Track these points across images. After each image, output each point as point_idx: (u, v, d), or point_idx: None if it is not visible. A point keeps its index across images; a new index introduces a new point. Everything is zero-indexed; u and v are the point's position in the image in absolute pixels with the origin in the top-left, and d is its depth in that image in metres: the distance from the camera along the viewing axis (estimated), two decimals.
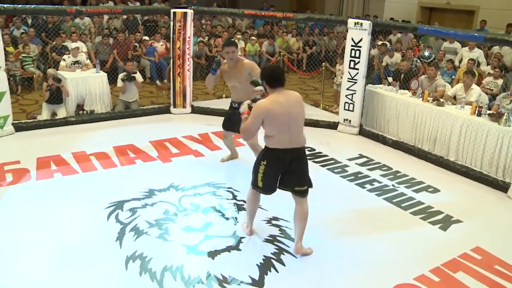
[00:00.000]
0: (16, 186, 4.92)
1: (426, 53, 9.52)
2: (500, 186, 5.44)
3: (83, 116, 7.26)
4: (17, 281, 3.42)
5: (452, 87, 7.17)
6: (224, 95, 9.12)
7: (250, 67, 5.01)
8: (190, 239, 4.03)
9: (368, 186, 5.35)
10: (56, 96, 7.08)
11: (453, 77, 8.54)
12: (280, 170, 3.73)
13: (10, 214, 4.36)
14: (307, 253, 3.92)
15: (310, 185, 3.85)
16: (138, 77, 7.76)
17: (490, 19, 11.69)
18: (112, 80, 8.03)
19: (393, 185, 5.41)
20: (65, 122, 6.97)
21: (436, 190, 5.36)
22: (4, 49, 6.65)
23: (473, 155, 5.92)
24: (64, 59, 7.95)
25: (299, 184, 3.78)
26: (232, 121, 5.11)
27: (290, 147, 3.65)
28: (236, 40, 10.98)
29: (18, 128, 6.60)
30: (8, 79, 6.66)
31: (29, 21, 10.63)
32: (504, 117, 5.64)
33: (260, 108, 3.57)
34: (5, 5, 6.27)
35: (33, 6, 7.18)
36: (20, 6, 6.97)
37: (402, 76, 7.91)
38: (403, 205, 4.94)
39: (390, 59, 9.57)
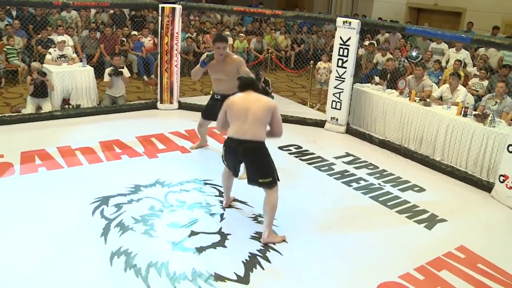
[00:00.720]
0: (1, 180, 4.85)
1: (414, 53, 9.58)
2: (484, 186, 5.50)
3: (69, 110, 7.19)
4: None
5: (438, 87, 7.22)
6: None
7: (239, 63, 5.17)
8: (176, 235, 4.00)
9: (355, 185, 5.37)
10: (41, 90, 6.99)
11: (440, 77, 8.61)
12: (233, 158, 4.04)
13: None
14: (274, 241, 4.02)
15: (275, 177, 3.97)
16: (125, 72, 7.70)
17: (477, 21, 11.81)
18: (98, 74, 7.95)
19: (379, 184, 5.44)
20: (50, 116, 6.89)
21: (421, 190, 5.39)
22: None
23: (459, 155, 5.97)
24: (50, 53, 7.85)
25: (261, 176, 3.94)
26: (211, 112, 5.15)
27: (242, 138, 3.86)
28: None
29: (2, 121, 6.50)
30: None
31: (14, 13, 10.48)
32: (489, 118, 5.70)
33: (226, 101, 4.01)
34: None
35: None
36: None
37: (389, 75, 7.96)
38: (389, 203, 4.97)
39: (382, 57, 9.57)
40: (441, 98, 6.82)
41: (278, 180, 4.02)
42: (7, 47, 8.75)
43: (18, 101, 7.84)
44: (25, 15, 10.21)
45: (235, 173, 4.27)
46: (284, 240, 4.07)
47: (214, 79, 5.37)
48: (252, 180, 4.02)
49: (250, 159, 3.98)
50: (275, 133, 4.07)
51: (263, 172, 3.95)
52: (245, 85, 4.03)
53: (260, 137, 3.91)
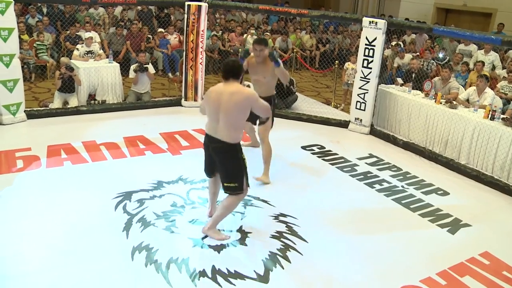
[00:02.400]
0: (26, 172, 4.95)
1: (441, 55, 9.45)
2: (511, 191, 5.38)
3: (95, 106, 7.29)
4: (23, 266, 3.44)
5: (465, 90, 7.10)
6: None
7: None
8: (197, 232, 4.02)
9: (377, 186, 5.32)
10: (68, 85, 7.11)
11: (466, 80, 8.46)
12: (207, 154, 3.93)
13: (19, 200, 4.38)
14: (213, 236, 3.95)
15: (242, 184, 3.80)
16: (150, 68, 7.77)
17: (508, 22, 11.56)
18: (124, 71, 8.05)
19: (402, 186, 5.38)
20: (76, 111, 7.00)
21: (445, 193, 5.31)
22: (19, 37, 6.67)
23: (485, 159, 5.86)
24: (77, 49, 7.99)
25: (227, 179, 3.83)
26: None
27: (214, 136, 3.75)
28: (250, 36, 11.01)
29: (30, 115, 6.64)
30: (22, 66, 6.70)
31: (44, 10, 10.69)
32: None
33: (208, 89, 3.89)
34: None
35: None
36: None
37: (414, 75, 7.84)
38: (411, 206, 4.90)
39: (401, 60, 9.50)
40: (467, 100, 6.70)
41: (248, 186, 3.89)
42: (37, 43, 8.94)
43: (46, 95, 7.99)
44: (54, 11, 10.40)
45: (209, 172, 4.05)
46: (225, 239, 3.94)
47: (253, 81, 5.25)
48: (221, 182, 3.91)
49: (219, 159, 3.82)
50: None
51: (229, 176, 3.80)
52: (225, 72, 3.75)
53: (231, 139, 3.71)
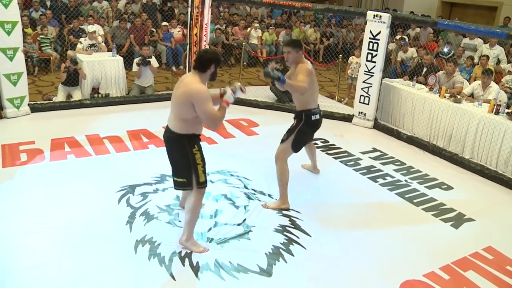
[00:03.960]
0: (30, 165, 4.97)
1: (446, 49, 9.40)
2: None
3: (98, 99, 7.29)
4: (26, 259, 3.45)
5: (470, 84, 7.07)
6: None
7: (298, 70, 4.26)
8: (200, 226, 4.02)
9: (381, 180, 5.31)
10: (73, 78, 7.11)
11: (471, 74, 8.42)
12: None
13: (22, 193, 4.40)
14: (191, 249, 3.67)
15: (191, 180, 3.56)
16: (154, 62, 7.76)
17: None
18: (128, 64, 8.05)
19: (405, 181, 5.37)
20: (80, 104, 7.01)
21: (449, 188, 5.30)
22: (23, 30, 6.67)
23: (489, 154, 5.84)
24: (81, 42, 7.98)
25: (176, 173, 3.68)
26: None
27: (167, 124, 3.61)
28: (253, 30, 10.97)
29: (34, 109, 6.65)
30: (26, 60, 6.70)
31: (48, 3, 10.68)
32: None
33: None
34: None
35: None
36: None
37: (425, 70, 7.80)
38: (415, 201, 4.90)
39: (405, 54, 9.46)
40: (472, 95, 6.67)
41: (202, 185, 3.59)
42: (40, 36, 8.94)
43: (49, 89, 8.00)
44: (58, 5, 10.39)
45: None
46: (203, 252, 3.68)
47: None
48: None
49: (167, 150, 3.67)
50: (206, 125, 3.53)
51: (177, 169, 3.65)
52: (194, 61, 3.55)
53: (178, 130, 3.49)
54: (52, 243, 3.68)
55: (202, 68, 3.46)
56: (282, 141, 4.47)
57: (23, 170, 4.85)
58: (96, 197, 4.41)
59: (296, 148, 4.45)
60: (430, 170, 5.70)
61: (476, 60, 9.09)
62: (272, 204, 4.47)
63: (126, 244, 3.73)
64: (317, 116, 4.45)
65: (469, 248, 4.07)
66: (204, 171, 3.58)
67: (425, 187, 5.25)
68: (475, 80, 7.76)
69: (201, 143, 3.63)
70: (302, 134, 4.43)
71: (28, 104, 6.60)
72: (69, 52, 7.32)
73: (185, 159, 3.53)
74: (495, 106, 5.88)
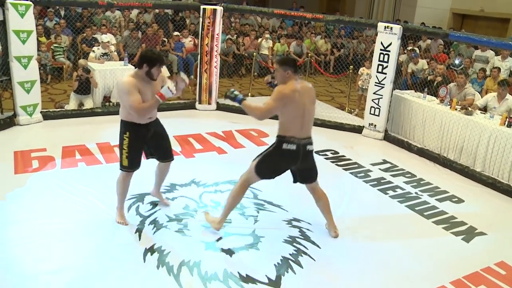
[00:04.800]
0: (41, 173, 5.00)
1: (457, 61, 9.36)
2: None
3: (109, 107, 7.35)
4: (37, 265, 3.47)
5: (481, 96, 7.02)
6: (250, 94, 9.11)
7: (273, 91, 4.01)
8: (209, 236, 4.03)
9: (391, 193, 5.28)
10: (85, 87, 7.18)
11: (483, 86, 8.37)
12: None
13: (33, 199, 4.42)
14: (116, 219, 4.12)
15: (121, 162, 3.97)
16: (164, 71, 7.80)
17: None
18: None
19: (416, 193, 5.33)
20: (91, 112, 7.07)
21: (460, 200, 5.25)
22: (37, 39, 6.76)
23: (501, 167, 5.78)
24: (93, 51, 8.06)
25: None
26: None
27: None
28: (264, 40, 11.01)
29: (46, 116, 6.72)
30: (39, 68, 6.78)
31: (62, 12, 10.81)
32: None
33: None
34: None
35: None
36: None
37: (439, 79, 7.77)
38: (425, 213, 4.86)
39: (415, 66, 9.44)
40: (485, 107, 6.61)
41: (127, 168, 3.95)
42: (54, 45, 9.06)
43: (62, 97, 8.07)
44: (72, 14, 10.52)
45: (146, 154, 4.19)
46: (122, 223, 4.08)
47: None
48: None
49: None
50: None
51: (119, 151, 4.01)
52: None
53: (121, 115, 3.91)
54: (61, 250, 3.69)
55: (138, 65, 3.80)
56: (253, 160, 4.01)
57: (35, 177, 4.89)
58: (106, 205, 4.41)
59: (258, 171, 3.89)
60: (441, 183, 5.66)
61: (488, 72, 9.05)
62: (210, 218, 4.19)
63: (134, 252, 3.73)
64: (291, 147, 3.78)
65: (481, 263, 4.01)
66: (128, 158, 3.90)
67: (436, 199, 5.21)
68: (486, 92, 7.73)
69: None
70: (268, 158, 3.88)
71: (41, 112, 6.67)
72: (81, 61, 7.39)
73: (120, 142, 3.92)
74: (507, 119, 5.84)
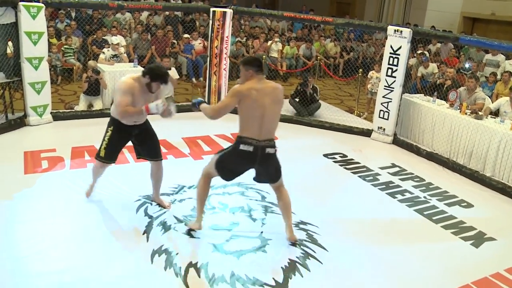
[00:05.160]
0: (50, 173, 5.04)
1: (467, 65, 9.31)
2: None
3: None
4: (44, 266, 3.49)
5: (492, 101, 6.97)
6: None
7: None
8: (217, 238, 4.03)
9: (399, 197, 5.25)
10: (94, 88, 7.23)
11: (493, 90, 8.32)
12: None
13: (42, 199, 4.46)
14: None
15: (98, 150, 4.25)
16: (173, 73, 7.84)
17: None
18: None
19: (425, 197, 5.30)
20: (101, 114, 7.09)
21: (469, 205, 5.22)
22: (48, 40, 6.82)
23: (511, 172, 5.73)
24: (103, 52, 8.11)
25: None
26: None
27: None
28: (274, 43, 11.02)
29: (56, 117, 6.76)
30: (49, 69, 6.83)
31: (73, 14, 10.90)
32: None
33: None
34: None
35: None
36: None
37: (449, 82, 7.72)
38: (434, 218, 4.83)
39: (425, 69, 9.39)
40: (497, 111, 6.56)
41: (102, 159, 4.20)
42: (65, 46, 9.13)
43: (71, 98, 8.13)
44: (83, 16, 10.60)
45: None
46: (88, 193, 4.46)
47: None
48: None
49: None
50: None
51: None
52: None
53: (112, 112, 4.16)
54: (69, 250, 3.71)
55: (143, 72, 3.95)
56: (216, 154, 4.01)
57: (44, 177, 4.92)
58: (114, 206, 4.44)
59: (218, 168, 3.85)
60: (450, 187, 5.62)
61: (499, 77, 8.98)
62: (190, 223, 4.18)
63: (142, 253, 3.75)
64: (248, 148, 3.65)
65: (490, 268, 3.98)
66: (105, 149, 4.14)
67: (445, 204, 5.18)
68: (497, 97, 7.67)
69: (128, 134, 4.13)
70: (226, 157, 3.82)
71: (51, 113, 6.72)
72: (90, 62, 7.44)
73: (104, 134, 4.15)
74: None
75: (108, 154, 4.16)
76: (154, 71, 3.88)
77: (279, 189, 4.01)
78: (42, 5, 6.20)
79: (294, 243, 4.04)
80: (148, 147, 4.30)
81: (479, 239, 4.48)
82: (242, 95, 3.64)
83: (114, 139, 4.11)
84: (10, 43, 6.31)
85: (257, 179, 3.97)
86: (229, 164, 3.83)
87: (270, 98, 3.68)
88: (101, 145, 4.15)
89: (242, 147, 3.67)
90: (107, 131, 4.12)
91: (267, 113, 3.66)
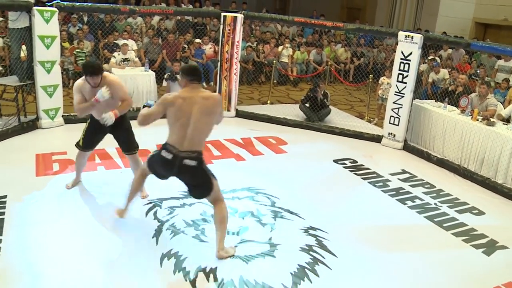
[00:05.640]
0: (61, 175, 5.08)
1: (479, 71, 9.25)
2: None
3: (129, 112, 7.39)
4: (52, 268, 3.51)
5: (505, 107, 6.92)
6: (269, 101, 9.13)
7: None
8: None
9: (409, 203, 5.22)
10: None
11: (505, 97, 8.26)
12: None
13: (53, 202, 4.49)
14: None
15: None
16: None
17: None
18: (159, 79, 8.19)
19: (435, 204, 5.26)
20: None
21: (481, 213, 5.17)
22: (61, 44, 6.89)
23: None
24: (114, 56, 8.17)
25: None
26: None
27: None
28: (285, 48, 11.04)
29: (68, 120, 6.82)
30: (61, 73, 6.89)
31: (85, 18, 11.00)
32: None
33: None
34: (65, 3, 6.52)
35: (90, 4, 7.42)
36: (78, 4, 7.21)
37: (460, 89, 7.68)
38: (445, 225, 4.79)
39: (436, 75, 9.35)
40: (510, 117, 6.51)
41: (80, 148, 4.66)
42: (77, 50, 9.21)
43: None
44: (95, 20, 10.69)
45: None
46: (69, 186, 4.76)
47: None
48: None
49: None
50: None
51: None
52: None
53: None
54: (78, 253, 3.73)
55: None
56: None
57: (55, 180, 4.96)
58: None
59: (148, 166, 3.93)
60: (461, 194, 5.58)
61: (511, 83, 8.92)
62: (118, 210, 4.24)
63: (152, 257, 3.76)
64: (167, 156, 3.60)
65: (503, 277, 3.93)
66: (83, 139, 4.64)
67: (455, 211, 5.13)
68: (510, 103, 7.61)
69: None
70: (154, 158, 3.81)
71: (62, 116, 6.77)
72: (105, 66, 7.49)
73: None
74: None
75: (85, 143, 4.65)
76: (83, 67, 4.41)
77: (214, 204, 3.81)
78: (56, 9, 6.28)
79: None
80: (121, 140, 4.69)
81: (491, 247, 4.44)
82: (167, 104, 3.61)
83: (89, 131, 4.60)
84: (23, 47, 6.39)
85: (189, 193, 3.88)
86: (154, 166, 3.83)
87: (199, 108, 3.55)
88: (81, 135, 4.64)
89: (162, 153, 3.63)
90: (86, 123, 4.66)
91: (192, 123, 3.55)
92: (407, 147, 7.01)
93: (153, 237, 4.03)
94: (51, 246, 3.78)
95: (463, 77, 8.09)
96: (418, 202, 5.27)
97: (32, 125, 6.46)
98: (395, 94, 6.92)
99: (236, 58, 7.68)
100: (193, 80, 3.65)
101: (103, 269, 3.57)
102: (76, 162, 4.82)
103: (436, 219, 4.89)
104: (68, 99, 8.05)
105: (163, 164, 3.67)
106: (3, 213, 4.19)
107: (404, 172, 6.14)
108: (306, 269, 3.78)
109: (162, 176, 3.85)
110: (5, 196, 4.48)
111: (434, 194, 5.52)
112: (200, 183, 3.72)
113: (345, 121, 8.04)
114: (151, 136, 5.41)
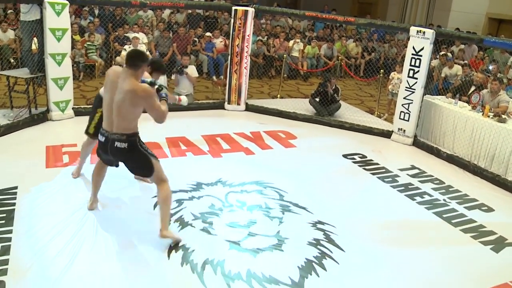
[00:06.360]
0: (71, 167, 5.10)
1: (491, 67, 9.16)
2: None
3: None
4: (60, 259, 3.54)
5: None
6: (279, 96, 9.12)
7: None
8: (234, 235, 4.04)
9: (418, 199, 5.20)
10: None
11: None
12: None
13: (62, 193, 4.53)
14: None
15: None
16: (191, 71, 7.84)
17: None
18: (170, 73, 8.20)
19: (444, 200, 5.24)
20: None
21: (490, 209, 5.13)
22: (71, 37, 6.92)
23: None
24: (125, 49, 8.20)
25: None
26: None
27: None
28: (296, 43, 11.01)
29: (78, 112, 6.85)
30: (72, 65, 6.93)
31: (96, 11, 11.04)
32: None
33: None
34: None
35: None
36: None
37: (473, 88, 7.60)
38: (453, 221, 4.76)
39: (450, 70, 9.26)
40: None
41: (91, 136, 4.59)
42: (87, 43, 9.26)
43: (93, 94, 8.19)
44: (105, 13, 10.73)
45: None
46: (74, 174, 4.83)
47: None
48: None
49: None
50: None
51: None
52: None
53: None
54: (86, 245, 3.75)
55: None
56: None
57: (65, 172, 4.99)
58: (132, 202, 4.49)
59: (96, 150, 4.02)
60: (470, 191, 5.54)
61: None
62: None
63: (159, 249, 3.78)
64: (101, 138, 3.76)
65: (511, 274, 3.91)
66: (95, 127, 4.47)
67: (465, 207, 5.10)
68: None
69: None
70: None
71: (73, 108, 6.82)
72: (118, 59, 7.53)
73: (91, 113, 4.66)
74: None
75: (97, 132, 4.10)
76: (161, 66, 4.64)
77: (157, 184, 3.84)
78: (67, 2, 6.30)
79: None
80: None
81: (499, 244, 4.41)
82: (106, 82, 3.74)
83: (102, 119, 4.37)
84: (35, 39, 6.43)
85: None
86: (98, 150, 3.93)
87: (119, 94, 3.54)
88: (91, 123, 4.58)
89: (99, 136, 3.78)
90: (96, 112, 4.50)
91: (114, 106, 3.60)
92: (417, 143, 6.98)
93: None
94: (60, 237, 3.81)
95: (481, 76, 7.97)
96: (427, 198, 5.25)
97: (43, 117, 6.51)
98: (405, 90, 6.88)
99: (246, 52, 7.67)
100: (128, 66, 3.55)
101: (111, 260, 3.60)
102: (82, 149, 4.82)
103: (444, 215, 4.87)
104: (78, 92, 8.12)
105: (100, 147, 3.83)
106: (13, 204, 4.24)
107: (413, 167, 6.12)
108: (313, 263, 3.78)
109: (107, 160, 3.96)
110: (15, 187, 4.52)
111: (443, 190, 5.49)
112: (138, 165, 3.83)
113: (355, 116, 8.02)
114: (159, 131, 5.40)
